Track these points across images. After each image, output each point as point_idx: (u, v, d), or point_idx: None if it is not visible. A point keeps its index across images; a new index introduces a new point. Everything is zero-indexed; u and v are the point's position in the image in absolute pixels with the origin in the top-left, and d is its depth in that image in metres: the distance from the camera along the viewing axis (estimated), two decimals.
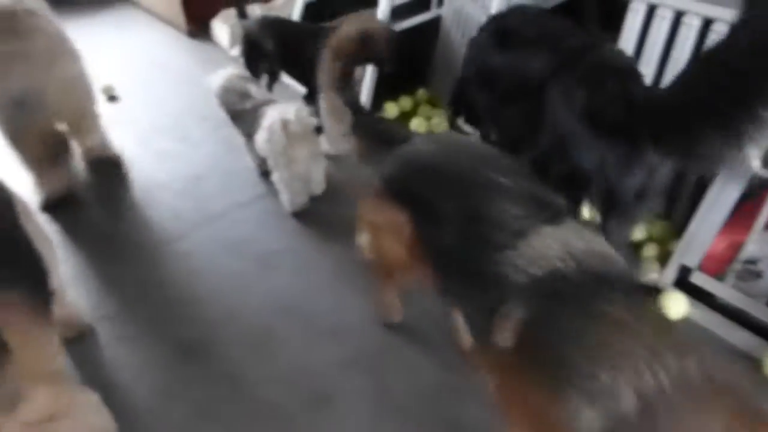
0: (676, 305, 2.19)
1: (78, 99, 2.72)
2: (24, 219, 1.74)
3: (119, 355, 2.15)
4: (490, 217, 1.38)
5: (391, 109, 3.34)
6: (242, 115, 2.80)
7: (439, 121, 3.16)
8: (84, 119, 2.85)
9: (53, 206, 2.78)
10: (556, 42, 2.03)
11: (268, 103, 2.73)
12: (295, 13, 3.72)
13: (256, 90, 2.82)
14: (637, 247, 2.45)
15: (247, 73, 2.99)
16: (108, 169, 3.10)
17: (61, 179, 2.79)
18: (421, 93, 3.40)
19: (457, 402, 1.97)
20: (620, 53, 2.00)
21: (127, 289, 2.42)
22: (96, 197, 2.93)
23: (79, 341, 2.19)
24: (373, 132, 2.00)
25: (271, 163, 2.72)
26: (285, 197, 2.77)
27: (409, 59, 3.30)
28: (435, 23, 3.32)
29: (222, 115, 2.94)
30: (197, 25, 4.44)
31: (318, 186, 2.86)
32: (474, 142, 1.97)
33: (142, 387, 2.05)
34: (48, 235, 1.96)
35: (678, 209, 2.42)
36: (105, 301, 2.35)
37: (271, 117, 2.61)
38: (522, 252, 1.30)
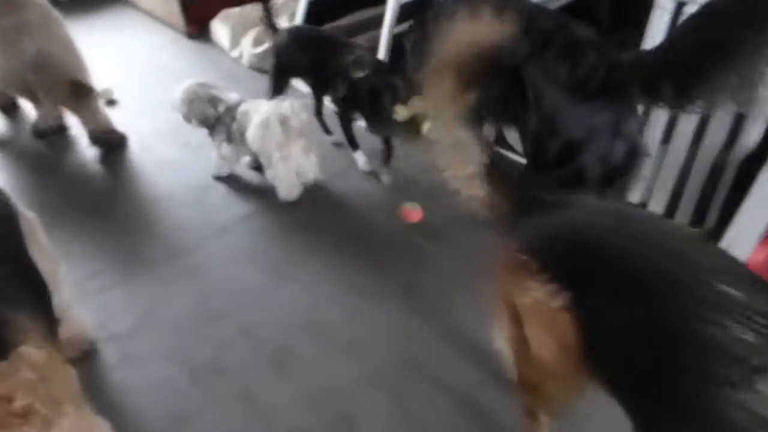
0: None
1: (76, 55, 3.09)
2: (30, 238, 1.65)
3: (128, 378, 2.05)
4: (708, 340, 1.00)
5: (401, 113, 3.22)
6: (220, 121, 2.76)
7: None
8: (82, 86, 3.11)
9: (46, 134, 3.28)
10: (527, 26, 2.01)
11: (239, 102, 2.75)
12: (299, 13, 3.62)
13: (221, 92, 2.80)
14: None
15: (206, 80, 2.88)
16: (111, 178, 3.00)
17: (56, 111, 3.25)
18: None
19: (482, 423, 1.88)
20: (591, 32, 2.01)
21: (135, 306, 2.31)
22: (100, 209, 2.83)
23: (83, 362, 2.09)
24: (517, 185, 1.55)
25: (263, 159, 2.70)
26: (281, 190, 2.78)
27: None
28: None
29: None
30: (197, 27, 4.32)
31: (312, 174, 2.83)
32: (662, 220, 1.54)
33: (153, 411, 1.95)
34: (53, 252, 1.86)
35: (709, 219, 2.33)
36: (112, 320, 2.25)
37: (264, 113, 2.59)
38: (765, 396, 0.94)
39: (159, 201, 2.85)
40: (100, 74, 3.83)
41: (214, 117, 2.76)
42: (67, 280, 2.02)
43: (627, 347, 1.11)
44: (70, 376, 1.30)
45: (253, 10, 4.23)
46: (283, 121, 2.58)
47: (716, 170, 2.32)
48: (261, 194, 2.87)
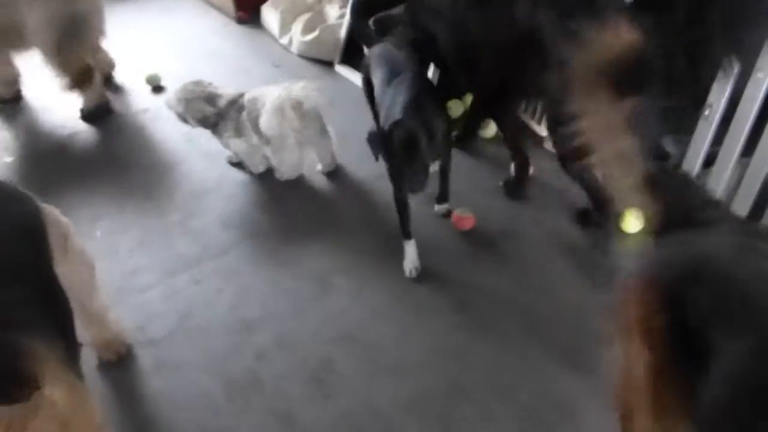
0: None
1: (103, 15, 3.18)
2: (60, 246, 1.57)
3: (163, 386, 1.98)
4: None
5: (456, 109, 3.07)
6: (222, 117, 2.65)
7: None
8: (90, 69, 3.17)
9: (93, 116, 3.27)
10: None
11: (242, 93, 2.67)
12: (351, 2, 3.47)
13: (217, 86, 2.71)
14: None
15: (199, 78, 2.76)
16: (157, 169, 2.93)
17: (101, 93, 3.31)
18: None
19: None
20: None
21: (173, 308, 2.24)
22: (146, 200, 2.76)
23: (119, 366, 2.03)
24: (682, 199, 1.33)
25: (276, 143, 2.64)
26: (283, 170, 2.78)
27: None
28: None
29: None
30: (247, 12, 4.21)
31: (328, 165, 2.83)
32: None
33: (186, 423, 1.88)
34: (88, 258, 1.78)
35: None
36: (150, 323, 2.18)
37: (277, 98, 2.50)
38: None
39: (203, 195, 2.76)
40: (148, 58, 3.80)
41: (214, 114, 2.65)
42: (105, 282, 1.96)
43: (725, 397, 0.99)
44: (91, 412, 1.21)
45: None
46: (297, 106, 2.50)
47: None
48: (310, 192, 2.77)
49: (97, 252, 1.95)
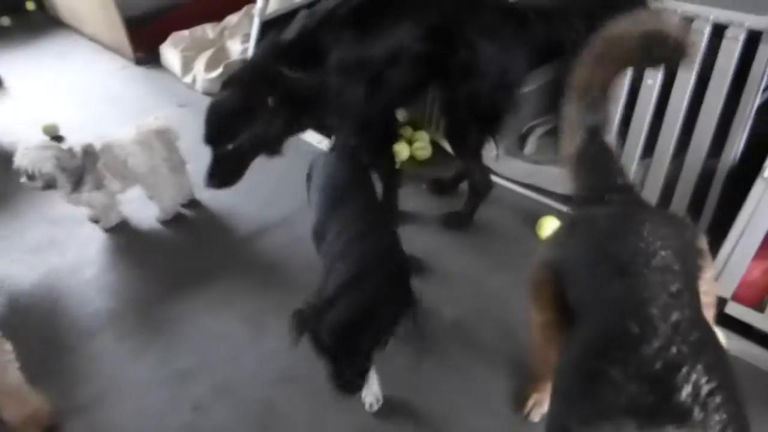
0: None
1: None
2: None
3: None
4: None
5: (402, 152, 3.08)
6: (84, 169, 2.51)
7: (423, 146, 2.94)
8: None
9: None
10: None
11: (88, 143, 2.54)
12: (253, 34, 3.45)
13: (67, 143, 2.62)
14: None
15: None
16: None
17: None
18: (400, 113, 3.16)
19: None
20: None
21: (98, 369, 2.12)
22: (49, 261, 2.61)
23: None
24: (599, 173, 1.47)
25: (150, 179, 2.65)
26: (165, 207, 2.76)
27: None
28: None
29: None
30: (145, 52, 4.11)
31: (190, 192, 2.86)
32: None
33: None
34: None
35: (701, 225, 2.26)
36: (73, 388, 2.05)
37: (140, 134, 2.59)
38: None
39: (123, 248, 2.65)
40: (45, 107, 3.63)
41: (77, 168, 2.48)
42: (14, 357, 1.83)
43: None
44: None
45: (204, 32, 4.06)
46: (161, 135, 2.62)
47: (702, 182, 2.26)
48: (213, 233, 2.73)
49: None
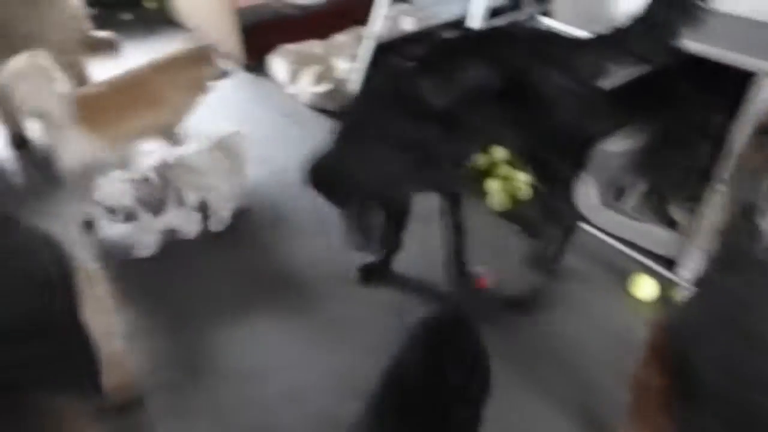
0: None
1: None
2: (87, 293, 1.52)
3: None
4: None
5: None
6: (165, 195, 2.54)
7: (521, 184, 2.92)
8: None
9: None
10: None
11: (165, 162, 2.57)
12: (361, 56, 3.53)
13: (142, 167, 2.59)
14: None
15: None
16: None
17: None
18: (499, 151, 3.15)
19: None
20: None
21: (183, 356, 2.20)
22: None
23: (129, 410, 1.96)
24: (743, 247, 1.39)
25: (220, 189, 2.69)
26: (225, 214, 2.79)
27: None
28: None
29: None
30: (255, 59, 4.27)
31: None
32: None
33: None
34: (110, 304, 1.74)
35: None
36: (160, 371, 2.13)
37: (210, 144, 2.67)
38: None
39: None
40: None
41: (159, 193, 2.51)
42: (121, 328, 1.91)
43: None
44: None
45: (312, 47, 4.18)
46: (230, 143, 2.74)
47: None
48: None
49: None
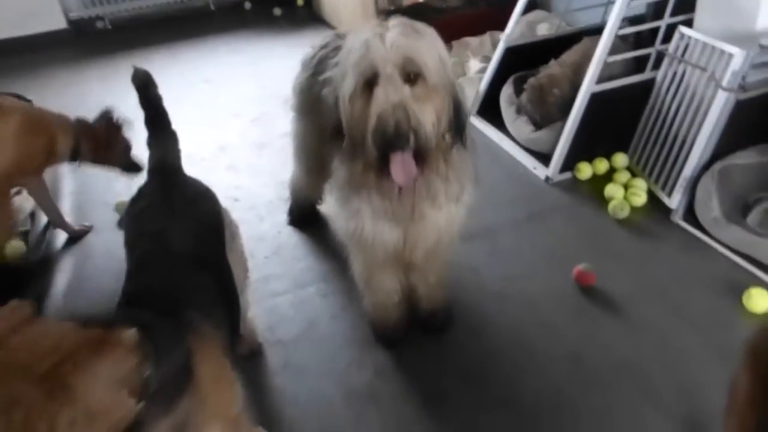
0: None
1: None
2: (230, 243, 1.76)
3: (287, 385, 2.14)
4: None
5: (584, 170, 3.14)
6: None
7: (638, 191, 2.92)
8: None
9: None
10: None
11: None
12: (495, 56, 3.64)
13: None
14: None
15: None
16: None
17: None
18: (620, 158, 3.16)
19: None
20: None
21: (301, 316, 2.42)
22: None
23: (249, 361, 2.21)
24: None
25: None
26: None
27: (611, 121, 3.11)
28: (647, 87, 3.09)
29: None
30: None
31: None
32: None
33: (307, 424, 2.00)
34: (245, 258, 1.99)
35: None
36: (279, 327, 2.37)
37: None
38: None
39: None
40: None
41: None
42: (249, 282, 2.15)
43: None
44: (233, 398, 1.35)
45: (448, 47, 4.33)
46: None
47: None
48: None
49: None
